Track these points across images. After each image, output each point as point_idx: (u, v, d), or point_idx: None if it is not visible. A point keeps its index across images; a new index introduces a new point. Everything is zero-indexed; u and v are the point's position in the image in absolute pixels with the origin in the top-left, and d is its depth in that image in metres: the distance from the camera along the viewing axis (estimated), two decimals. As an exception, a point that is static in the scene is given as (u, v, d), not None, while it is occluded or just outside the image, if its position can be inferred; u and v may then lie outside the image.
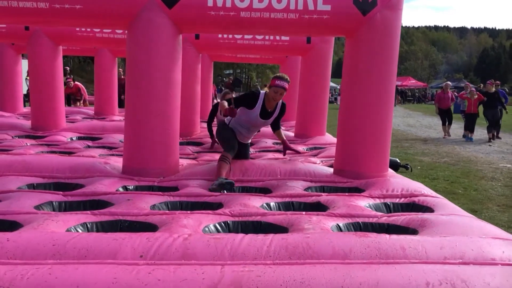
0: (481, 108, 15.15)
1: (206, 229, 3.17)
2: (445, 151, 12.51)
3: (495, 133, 14.94)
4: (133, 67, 4.74)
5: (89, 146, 7.17)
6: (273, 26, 4.72)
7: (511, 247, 2.85)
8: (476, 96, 14.67)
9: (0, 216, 3.28)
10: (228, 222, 3.37)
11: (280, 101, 5.06)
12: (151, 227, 3.19)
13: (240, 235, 2.72)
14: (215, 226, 3.25)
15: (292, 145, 5.61)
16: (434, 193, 4.43)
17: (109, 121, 9.06)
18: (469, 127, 14.92)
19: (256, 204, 3.80)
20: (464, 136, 15.36)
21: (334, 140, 7.86)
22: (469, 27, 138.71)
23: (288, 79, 4.92)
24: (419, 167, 9.67)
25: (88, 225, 3.20)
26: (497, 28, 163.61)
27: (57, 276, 2.11)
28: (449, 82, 17.48)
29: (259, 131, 5.76)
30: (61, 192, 4.01)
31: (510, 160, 11.16)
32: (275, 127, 5.32)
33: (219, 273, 2.21)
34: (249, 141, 5.50)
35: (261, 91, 5.04)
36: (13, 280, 2.07)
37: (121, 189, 4.32)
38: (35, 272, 2.13)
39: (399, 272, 2.32)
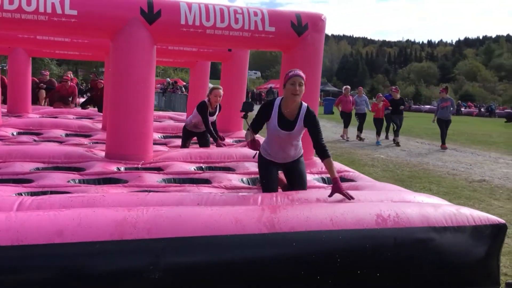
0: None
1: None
2: (329, 146, 14.59)
3: (394, 137, 15.68)
4: (117, 70, 5.71)
5: (35, 140, 7.78)
6: (231, 42, 6.01)
7: (416, 195, 4.50)
8: (382, 103, 15.66)
9: (53, 189, 4.18)
10: (225, 192, 4.59)
11: (304, 107, 4.25)
12: (174, 193, 4.31)
13: (255, 194, 4.01)
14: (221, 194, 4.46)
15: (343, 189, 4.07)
16: (352, 170, 6.04)
17: (45, 118, 9.54)
18: (377, 131, 15.60)
19: (236, 179, 5.07)
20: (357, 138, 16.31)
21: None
22: (330, 34, 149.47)
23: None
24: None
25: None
26: (354, 36, 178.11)
27: (164, 211, 3.24)
28: (348, 86, 17.92)
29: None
30: (77, 172, 4.91)
31: (382, 152, 13.50)
32: (320, 152, 4.19)
33: (260, 207, 3.49)
34: (292, 159, 4.46)
35: (277, 98, 4.36)
36: (137, 215, 3.16)
37: (116, 169, 5.29)
38: (147, 211, 3.23)
39: (363, 206, 3.78)
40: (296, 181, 4.43)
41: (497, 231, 3.82)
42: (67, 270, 2.90)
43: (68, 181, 4.57)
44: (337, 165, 6.01)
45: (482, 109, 48.32)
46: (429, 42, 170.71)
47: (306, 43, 6.15)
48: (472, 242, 3.74)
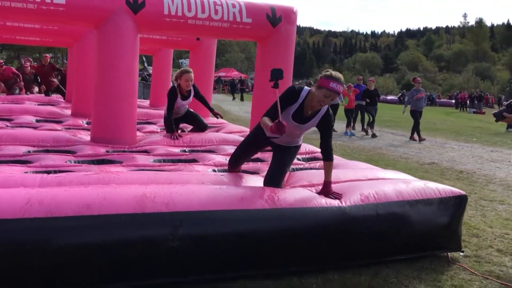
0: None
1: (210, 171, 4.76)
2: (287, 132, 15.12)
3: (367, 127, 15.54)
4: (103, 58, 5.92)
5: (7, 126, 7.81)
6: (211, 32, 6.35)
7: (386, 171, 5.06)
8: (352, 92, 15.38)
9: (56, 168, 4.42)
10: (215, 169, 4.97)
11: (325, 108, 4.13)
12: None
13: (253, 176, 4.42)
14: (213, 170, 4.83)
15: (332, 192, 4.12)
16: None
17: (15, 104, 9.51)
18: (349, 122, 15.36)
19: (221, 159, 5.45)
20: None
21: (220, 120, 9.67)
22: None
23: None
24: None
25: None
26: (301, 26, 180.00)
27: (177, 188, 3.60)
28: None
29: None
30: (71, 155, 5.14)
31: (338, 139, 14.18)
32: (325, 153, 4.17)
33: (261, 187, 3.91)
34: (286, 144, 4.39)
35: (305, 88, 4.16)
36: (154, 191, 3.50)
37: (105, 152, 5.54)
38: (163, 188, 3.58)
39: (348, 186, 4.26)
40: (273, 165, 4.35)
41: (460, 201, 4.42)
42: (96, 239, 3.21)
43: (66, 162, 4.81)
44: (309, 147, 6.49)
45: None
46: (373, 33, 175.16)
47: (280, 34, 6.58)
48: (439, 212, 4.31)
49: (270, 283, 3.67)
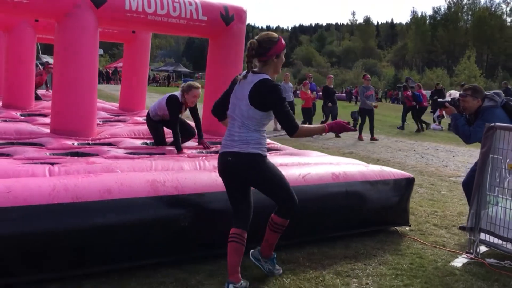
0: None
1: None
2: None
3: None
4: (64, 51, 5.95)
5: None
6: (169, 27, 6.59)
7: (338, 157, 5.69)
8: (309, 90, 14.93)
9: (42, 160, 4.50)
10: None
11: None
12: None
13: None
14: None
15: None
16: (275, 142, 7.05)
17: None
18: (308, 121, 14.71)
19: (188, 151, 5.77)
20: None
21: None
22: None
23: None
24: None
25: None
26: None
27: (182, 173, 3.92)
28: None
29: None
30: (45, 147, 5.18)
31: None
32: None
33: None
34: None
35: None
36: (163, 176, 3.82)
37: (72, 144, 5.61)
38: (169, 173, 3.89)
39: (321, 167, 4.82)
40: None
41: (409, 183, 5.17)
42: (118, 220, 3.48)
43: (44, 154, 4.87)
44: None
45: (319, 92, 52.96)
46: (268, 27, 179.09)
47: (232, 32, 6.98)
48: (394, 191, 5.03)
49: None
